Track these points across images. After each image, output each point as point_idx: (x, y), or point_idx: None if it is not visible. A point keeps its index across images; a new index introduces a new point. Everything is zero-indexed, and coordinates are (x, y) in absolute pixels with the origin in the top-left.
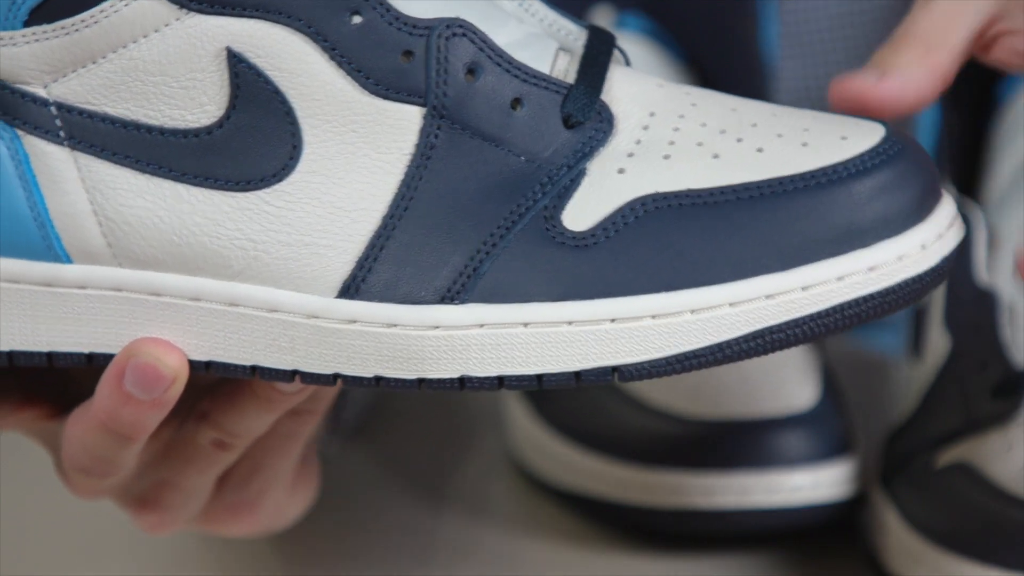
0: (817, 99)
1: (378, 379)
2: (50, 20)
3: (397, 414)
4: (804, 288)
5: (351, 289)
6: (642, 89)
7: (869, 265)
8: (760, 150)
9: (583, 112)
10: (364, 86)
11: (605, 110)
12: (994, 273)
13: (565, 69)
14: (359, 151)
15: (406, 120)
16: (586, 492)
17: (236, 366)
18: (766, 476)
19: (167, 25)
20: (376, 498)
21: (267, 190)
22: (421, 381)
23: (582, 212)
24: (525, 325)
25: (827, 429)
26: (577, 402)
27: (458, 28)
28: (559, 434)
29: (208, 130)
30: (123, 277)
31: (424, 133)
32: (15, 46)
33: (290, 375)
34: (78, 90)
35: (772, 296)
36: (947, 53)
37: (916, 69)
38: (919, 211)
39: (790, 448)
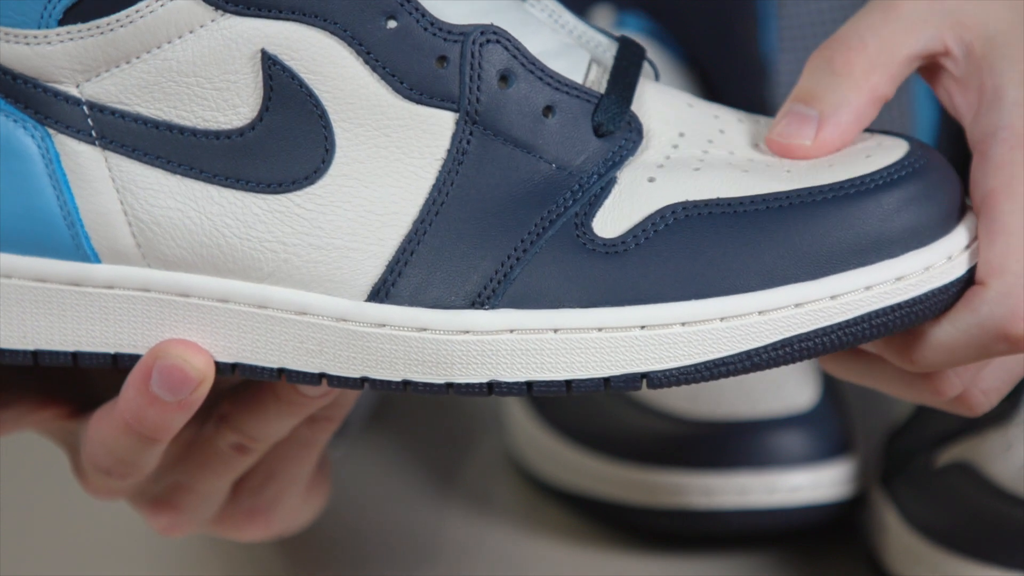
0: None
1: (406, 383)
2: (85, 19)
3: (398, 415)
4: (832, 297)
5: (381, 293)
6: (672, 107)
7: (897, 275)
8: (789, 171)
9: (614, 121)
10: (398, 90)
11: (635, 121)
12: None
13: (596, 80)
14: (391, 155)
15: (439, 125)
16: (586, 492)
17: (263, 368)
18: (765, 476)
19: (202, 26)
20: (377, 499)
21: (298, 193)
22: (450, 385)
23: (612, 219)
24: (555, 331)
25: (827, 429)
26: (577, 402)
27: (492, 35)
28: (559, 434)
29: (240, 132)
30: (152, 278)
31: (456, 138)
32: (49, 45)
33: (317, 378)
34: (111, 90)
35: (801, 305)
36: (888, 77)
37: (852, 105)
38: (945, 223)
39: (790, 448)
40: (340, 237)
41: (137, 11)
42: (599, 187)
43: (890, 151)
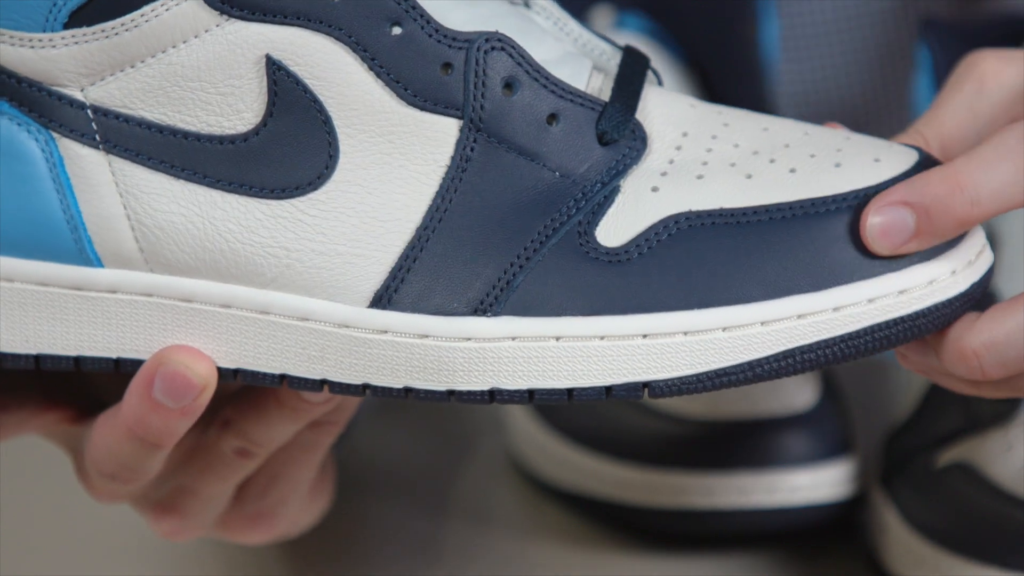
0: (816, 100)
1: (408, 390)
2: (90, 23)
3: (399, 416)
4: (835, 309)
5: (383, 299)
6: (675, 109)
7: (900, 288)
8: (793, 171)
9: (618, 130)
10: (402, 97)
11: (639, 128)
12: (994, 273)
13: (599, 88)
14: (395, 161)
15: (443, 132)
16: (587, 492)
17: (265, 374)
18: (766, 476)
19: (207, 31)
20: (377, 499)
21: (302, 198)
22: (451, 393)
23: (616, 228)
24: (557, 339)
25: (827, 429)
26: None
27: (497, 42)
28: (559, 435)
29: (244, 137)
30: (154, 282)
31: (460, 145)
32: (54, 48)
33: (319, 384)
34: (115, 94)
35: (804, 316)
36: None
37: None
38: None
39: (790, 448)
40: (343, 243)
41: (142, 15)
42: (602, 196)
43: (899, 160)
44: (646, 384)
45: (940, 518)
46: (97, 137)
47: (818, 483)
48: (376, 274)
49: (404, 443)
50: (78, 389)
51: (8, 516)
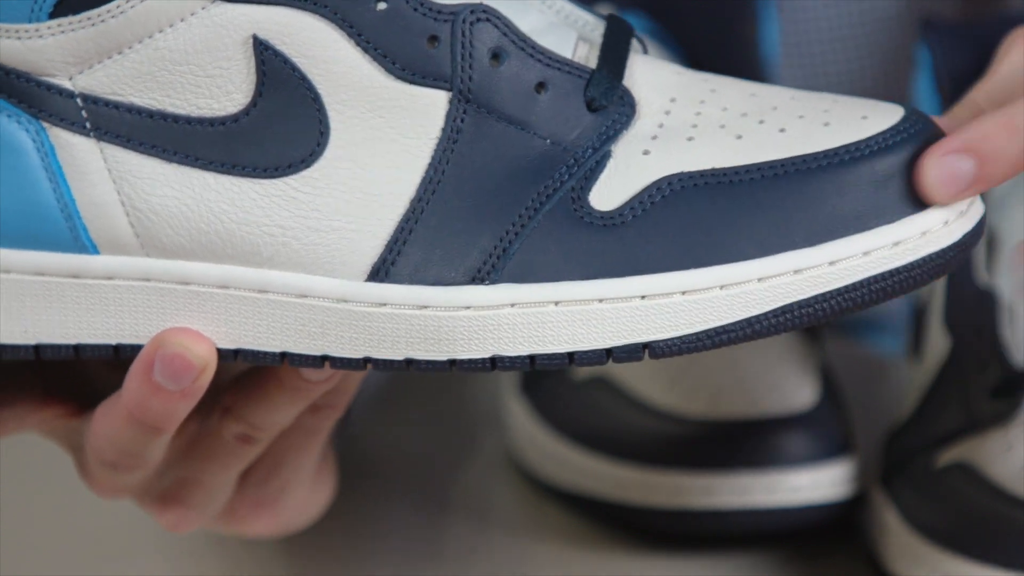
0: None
1: (409, 361)
2: (76, 11)
3: (398, 415)
4: (831, 263)
5: (381, 272)
6: (662, 76)
7: (894, 240)
8: (782, 130)
9: (606, 96)
10: (390, 71)
11: (627, 95)
12: (994, 273)
13: (586, 56)
14: (386, 136)
15: (432, 104)
16: (586, 492)
17: (266, 353)
18: (765, 476)
19: (193, 14)
20: (377, 499)
21: (295, 176)
22: (452, 362)
23: (609, 192)
24: (556, 303)
25: (827, 429)
26: (577, 402)
27: (482, 13)
28: (559, 434)
29: (235, 118)
30: (151, 267)
31: (450, 117)
32: (40, 38)
33: (320, 360)
34: (104, 81)
35: (800, 271)
36: None
37: None
38: None
39: (790, 448)
40: (338, 219)
41: (128, 1)
42: (594, 161)
43: (886, 115)
44: (646, 345)
45: (940, 518)
46: (87, 125)
47: (818, 483)
48: (372, 248)
49: (404, 443)
50: (78, 383)
51: (8, 516)
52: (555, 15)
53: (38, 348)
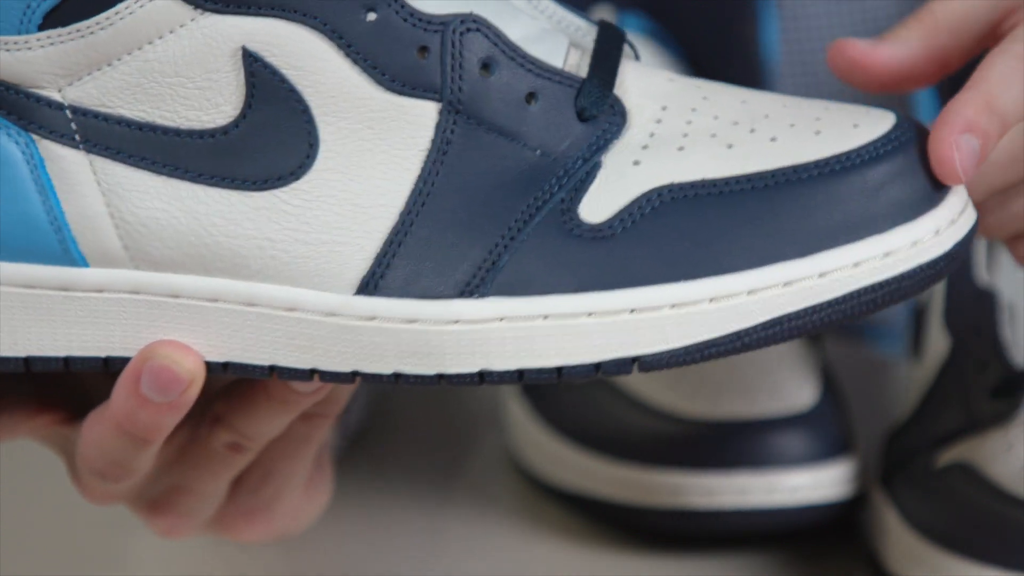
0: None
1: (397, 376)
2: (65, 23)
3: (398, 415)
4: (821, 275)
5: (370, 286)
6: (653, 83)
7: (884, 251)
8: (773, 139)
9: (596, 105)
10: (380, 82)
11: (618, 104)
12: (994, 273)
13: (577, 64)
14: (375, 147)
15: (422, 116)
16: (586, 492)
17: (254, 367)
18: (765, 476)
19: (182, 26)
20: (376, 499)
21: (284, 189)
22: (440, 376)
23: (598, 204)
24: (545, 317)
25: (827, 429)
26: (577, 402)
27: (472, 23)
28: (559, 434)
29: (224, 130)
30: (140, 279)
31: (440, 128)
32: (30, 50)
33: (309, 374)
34: (93, 93)
35: (790, 283)
36: (953, 38)
37: (915, 43)
38: (931, 197)
39: (790, 448)
40: (327, 231)
41: (117, 13)
42: (584, 172)
43: (877, 123)
44: (636, 359)
45: (940, 518)
46: (77, 137)
47: (818, 483)
48: (361, 261)
49: (403, 443)
50: (70, 391)
51: (8, 516)
52: (546, 20)
53: (28, 361)
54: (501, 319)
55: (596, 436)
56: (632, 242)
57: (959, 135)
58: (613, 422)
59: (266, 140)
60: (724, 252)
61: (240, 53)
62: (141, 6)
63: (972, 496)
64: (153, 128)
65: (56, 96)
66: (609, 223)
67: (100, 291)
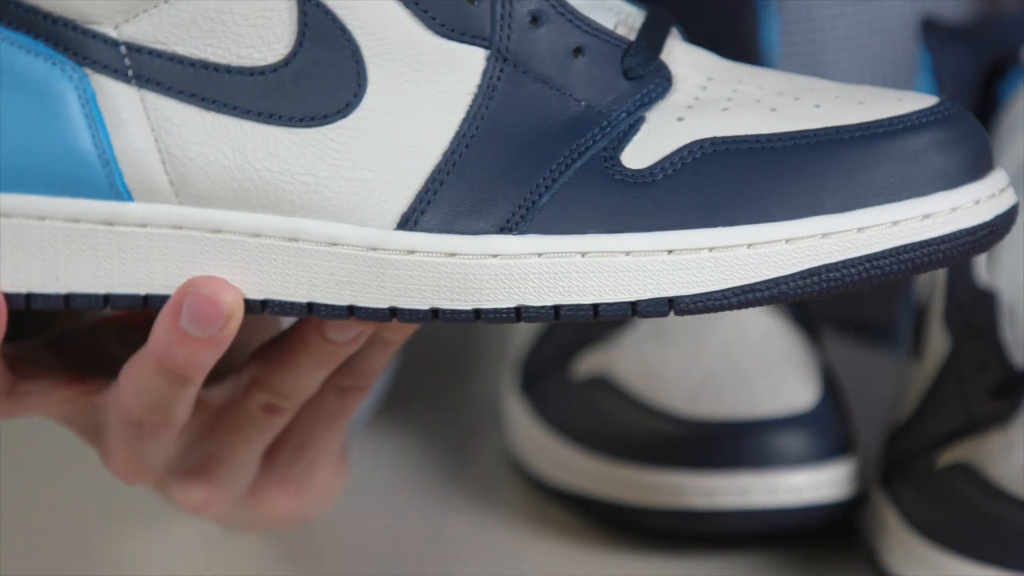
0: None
1: (435, 311)
2: None
3: (398, 415)
4: (859, 229)
5: (410, 222)
6: (700, 58)
7: (923, 213)
8: (817, 105)
9: (643, 66)
10: (430, 26)
11: (664, 68)
12: (994, 273)
13: (626, 33)
14: (422, 90)
15: (470, 61)
16: (586, 492)
17: (293, 304)
18: (766, 476)
19: None
20: (376, 499)
21: (330, 126)
22: (478, 312)
23: (641, 152)
24: (583, 255)
25: (827, 429)
26: (577, 402)
27: None
28: (559, 434)
29: (274, 68)
30: (184, 214)
31: (487, 74)
32: None
33: (346, 311)
34: (148, 30)
35: (828, 235)
36: None
37: None
38: (972, 172)
39: (790, 448)
40: (371, 169)
41: None
42: (627, 124)
43: (922, 98)
44: (671, 300)
45: (940, 518)
46: (130, 73)
47: (818, 483)
48: (403, 198)
49: (403, 443)
50: (95, 362)
51: (8, 516)
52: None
53: (68, 297)
54: (539, 255)
55: (596, 436)
56: (673, 188)
57: None
58: (613, 422)
59: (315, 79)
60: (764, 202)
61: None
62: None
63: (972, 496)
64: (205, 65)
65: (112, 32)
66: (651, 169)
67: (144, 226)
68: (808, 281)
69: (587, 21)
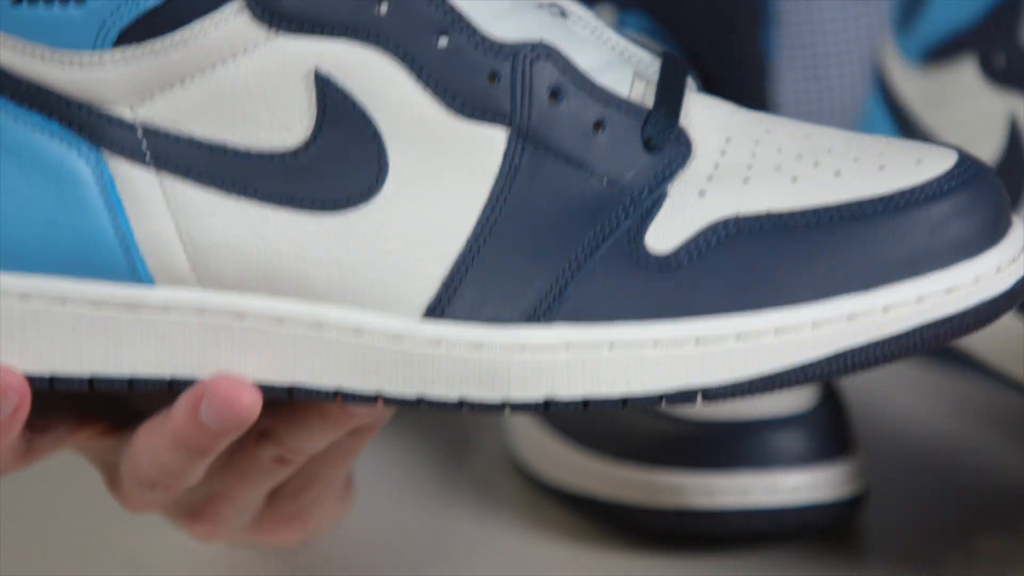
0: (817, 99)
1: (462, 402)
2: (139, 40)
3: (398, 415)
4: (885, 309)
5: (436, 311)
6: (717, 115)
7: (947, 287)
8: (838, 173)
9: (663, 136)
10: (450, 107)
11: (683, 135)
12: None
13: (642, 94)
14: (444, 172)
15: (490, 142)
16: (586, 492)
17: (320, 391)
18: (766, 476)
19: (256, 46)
20: (376, 499)
21: (352, 212)
22: (506, 403)
23: (665, 234)
24: (611, 347)
25: (827, 429)
26: None
27: (543, 50)
28: (559, 434)
29: (294, 152)
30: (207, 300)
31: (508, 155)
32: (103, 68)
33: (374, 399)
34: (164, 112)
35: (854, 317)
36: None
37: None
38: (993, 234)
39: (790, 448)
40: (395, 255)
41: (191, 32)
42: (651, 201)
43: (940, 159)
44: (700, 390)
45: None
46: (147, 156)
47: (818, 483)
48: (429, 286)
49: (404, 443)
50: (110, 402)
51: (9, 516)
52: (610, 51)
53: (92, 381)
54: (567, 347)
55: (596, 436)
56: (698, 273)
57: None
58: (613, 422)
59: (336, 163)
60: (789, 284)
61: (312, 75)
62: (216, 26)
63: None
64: (224, 149)
65: (128, 115)
66: (675, 253)
67: (166, 311)
68: (835, 365)
69: (605, 92)
